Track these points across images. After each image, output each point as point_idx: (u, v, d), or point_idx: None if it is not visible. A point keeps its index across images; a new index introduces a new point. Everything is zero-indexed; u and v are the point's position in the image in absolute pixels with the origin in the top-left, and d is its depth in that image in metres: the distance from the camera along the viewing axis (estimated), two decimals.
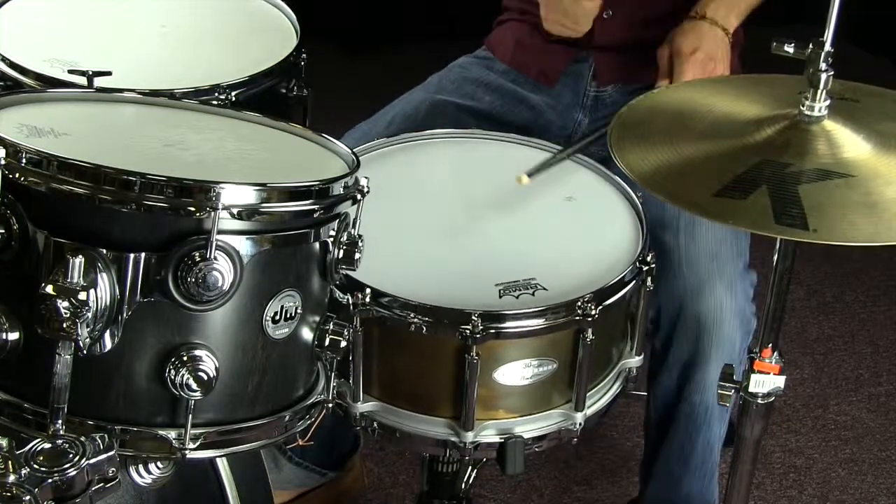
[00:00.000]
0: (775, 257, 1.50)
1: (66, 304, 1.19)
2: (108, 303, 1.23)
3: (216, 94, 1.72)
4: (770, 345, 1.53)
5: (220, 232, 1.24)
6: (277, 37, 1.95)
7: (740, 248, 1.91)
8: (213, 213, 1.22)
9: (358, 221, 1.40)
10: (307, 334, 1.38)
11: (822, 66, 1.39)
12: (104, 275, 1.23)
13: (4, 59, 1.73)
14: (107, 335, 1.25)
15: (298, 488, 2.21)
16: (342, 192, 1.35)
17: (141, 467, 1.37)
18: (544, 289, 1.56)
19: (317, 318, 1.39)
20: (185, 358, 1.27)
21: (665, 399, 1.96)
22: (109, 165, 1.22)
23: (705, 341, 1.86)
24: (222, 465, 1.61)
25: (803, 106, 1.42)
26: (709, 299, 1.85)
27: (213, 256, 1.23)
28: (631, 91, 1.98)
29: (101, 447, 1.28)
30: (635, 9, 2.03)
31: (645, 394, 2.03)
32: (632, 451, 2.49)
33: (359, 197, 1.38)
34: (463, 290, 1.55)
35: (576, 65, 2.09)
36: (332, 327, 1.40)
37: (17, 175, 1.23)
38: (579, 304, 1.51)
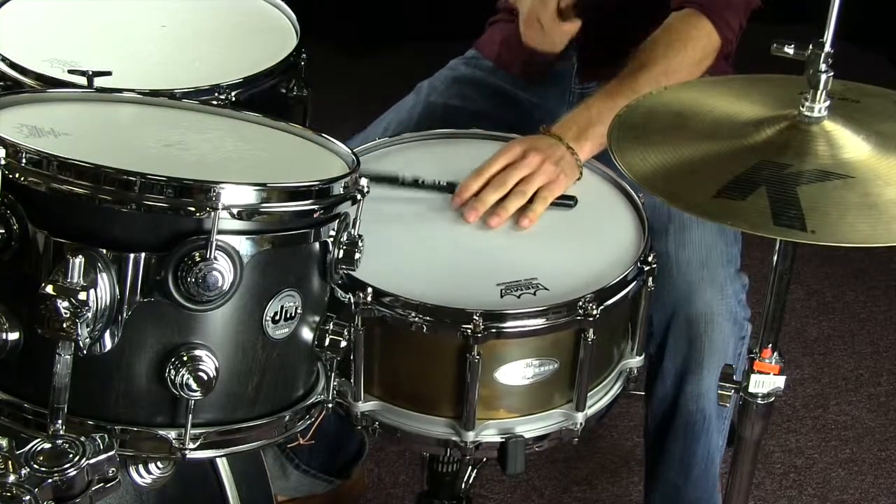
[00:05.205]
0: (775, 258, 1.50)
1: (66, 304, 1.19)
2: (108, 303, 1.23)
3: (216, 94, 1.72)
4: (770, 345, 1.53)
5: (220, 232, 1.24)
6: (277, 37, 1.95)
7: (731, 253, 1.91)
8: (213, 213, 1.22)
9: (358, 221, 1.40)
10: (307, 334, 1.38)
11: (822, 67, 1.39)
12: (104, 275, 1.23)
13: (4, 59, 1.73)
14: (107, 335, 1.25)
15: (305, 496, 2.22)
16: (342, 192, 1.35)
17: (141, 467, 1.37)
18: (545, 288, 1.56)
19: (317, 319, 1.39)
20: (185, 358, 1.27)
21: (662, 409, 1.94)
22: (109, 165, 1.22)
23: (698, 346, 1.85)
24: (222, 465, 1.61)
25: (803, 107, 1.41)
26: (699, 303, 1.85)
27: (213, 256, 1.23)
28: None
29: (101, 447, 1.28)
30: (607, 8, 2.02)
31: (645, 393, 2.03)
32: (632, 451, 2.49)
33: (359, 197, 1.38)
34: (464, 289, 1.55)
35: (560, 63, 2.09)
36: (332, 327, 1.40)
37: (17, 175, 1.23)
38: (581, 304, 1.51)
